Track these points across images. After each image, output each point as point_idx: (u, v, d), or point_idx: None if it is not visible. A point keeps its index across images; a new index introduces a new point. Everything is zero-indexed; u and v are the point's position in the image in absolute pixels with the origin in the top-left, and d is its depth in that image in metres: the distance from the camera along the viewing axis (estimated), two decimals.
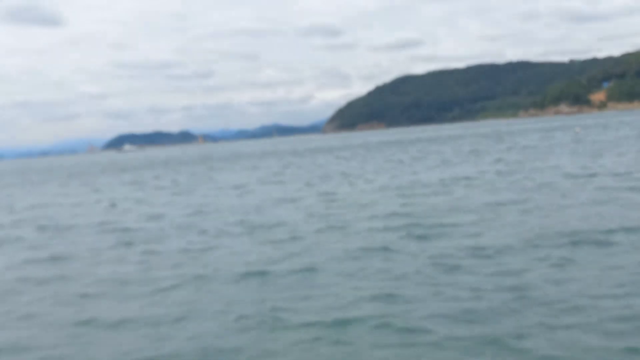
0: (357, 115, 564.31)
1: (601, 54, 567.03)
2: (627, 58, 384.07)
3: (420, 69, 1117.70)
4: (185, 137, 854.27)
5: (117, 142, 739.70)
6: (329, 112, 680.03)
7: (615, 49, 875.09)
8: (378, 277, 13.67)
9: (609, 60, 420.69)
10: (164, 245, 19.74)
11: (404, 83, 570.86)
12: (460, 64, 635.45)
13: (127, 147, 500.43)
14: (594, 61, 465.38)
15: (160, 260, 17.37)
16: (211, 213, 27.15)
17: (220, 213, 26.87)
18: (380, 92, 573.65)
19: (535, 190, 25.83)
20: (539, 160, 42.79)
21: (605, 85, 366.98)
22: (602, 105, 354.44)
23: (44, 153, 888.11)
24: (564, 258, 13.90)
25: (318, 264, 15.20)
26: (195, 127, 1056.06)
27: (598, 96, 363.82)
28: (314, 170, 53.83)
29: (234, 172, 60.86)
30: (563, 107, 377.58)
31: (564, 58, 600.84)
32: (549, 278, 12.59)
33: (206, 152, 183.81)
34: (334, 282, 13.61)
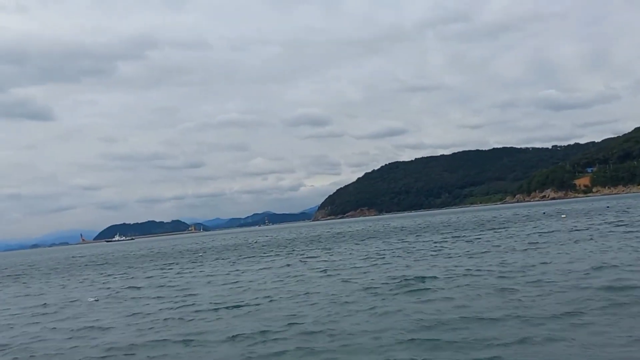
0: (347, 202, 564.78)
1: (582, 140, 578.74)
2: (608, 143, 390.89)
3: (407, 156, 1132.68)
4: (177, 226, 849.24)
5: (109, 233, 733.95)
6: (320, 200, 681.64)
7: (595, 135, 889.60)
8: None
9: (591, 145, 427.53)
10: None
11: (392, 170, 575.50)
12: (446, 151, 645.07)
13: (116, 237, 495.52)
14: (577, 147, 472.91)
15: None
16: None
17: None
18: (370, 179, 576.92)
19: None
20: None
21: (590, 170, 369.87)
22: (587, 190, 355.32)
23: (36, 245, 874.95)
24: None
25: None
26: (187, 216, 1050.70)
27: (583, 181, 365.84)
28: None
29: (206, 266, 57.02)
30: (549, 192, 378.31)
31: (546, 144, 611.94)
32: None
33: (178, 243, 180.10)
34: None
